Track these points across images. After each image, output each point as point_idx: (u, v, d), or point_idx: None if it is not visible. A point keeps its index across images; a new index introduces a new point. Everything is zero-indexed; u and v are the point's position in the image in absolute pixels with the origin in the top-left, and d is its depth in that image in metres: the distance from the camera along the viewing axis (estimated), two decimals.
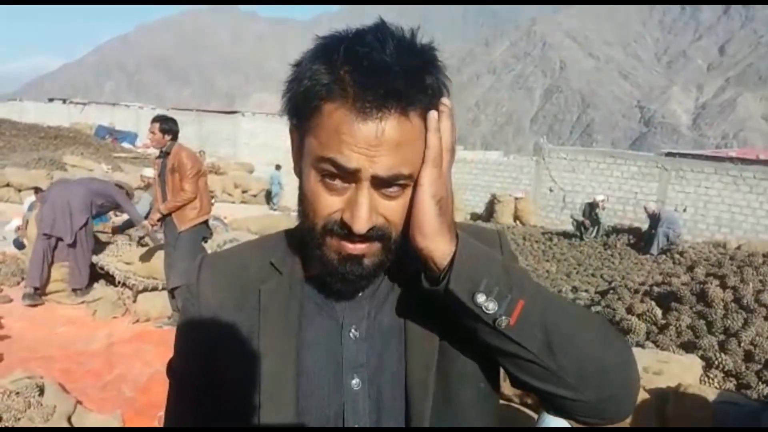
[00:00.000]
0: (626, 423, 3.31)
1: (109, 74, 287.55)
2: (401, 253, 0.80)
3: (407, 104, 0.72)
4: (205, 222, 5.27)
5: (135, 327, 5.41)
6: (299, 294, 0.85)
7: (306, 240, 0.81)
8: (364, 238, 0.75)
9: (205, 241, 5.36)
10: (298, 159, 0.81)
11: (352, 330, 0.83)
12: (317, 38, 0.78)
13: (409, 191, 0.76)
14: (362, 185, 0.73)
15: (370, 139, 0.71)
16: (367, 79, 0.70)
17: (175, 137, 5.16)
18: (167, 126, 5.10)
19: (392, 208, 0.76)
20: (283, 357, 0.81)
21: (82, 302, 5.88)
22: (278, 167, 18.34)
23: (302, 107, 0.76)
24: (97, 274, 6.26)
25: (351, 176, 0.73)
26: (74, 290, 5.96)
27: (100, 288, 6.13)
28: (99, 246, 6.57)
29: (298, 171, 0.81)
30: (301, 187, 0.80)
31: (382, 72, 0.70)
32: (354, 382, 0.82)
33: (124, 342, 5.06)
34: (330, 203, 0.76)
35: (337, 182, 0.74)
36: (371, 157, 0.72)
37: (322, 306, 0.85)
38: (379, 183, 0.74)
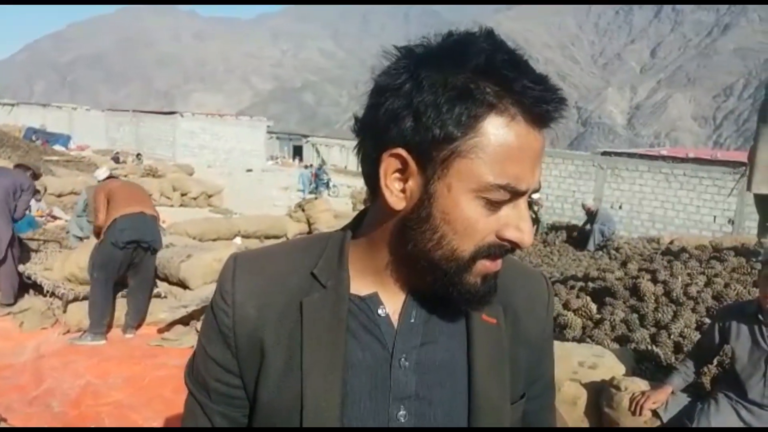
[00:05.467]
0: (567, 418, 3.38)
1: (41, 74, 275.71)
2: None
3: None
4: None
5: (65, 338, 5.18)
6: (344, 311, 0.78)
7: (433, 269, 0.73)
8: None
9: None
10: (424, 183, 0.70)
11: (402, 358, 0.78)
12: (399, 48, 0.71)
13: None
14: (522, 199, 0.70)
15: (537, 153, 0.69)
16: (538, 90, 0.66)
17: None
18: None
19: None
20: (328, 376, 0.75)
21: (8, 314, 5.59)
22: (308, 167, 20.19)
23: (445, 125, 0.66)
24: (24, 284, 5.96)
25: (516, 195, 0.70)
26: None
27: (27, 298, 5.84)
28: (25, 254, 6.28)
29: (416, 195, 0.71)
30: (436, 214, 0.70)
31: (543, 81, 0.67)
32: (400, 413, 0.77)
33: (54, 354, 4.84)
34: (488, 227, 0.70)
35: (498, 203, 0.70)
36: (533, 172, 0.69)
37: (368, 327, 0.79)
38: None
